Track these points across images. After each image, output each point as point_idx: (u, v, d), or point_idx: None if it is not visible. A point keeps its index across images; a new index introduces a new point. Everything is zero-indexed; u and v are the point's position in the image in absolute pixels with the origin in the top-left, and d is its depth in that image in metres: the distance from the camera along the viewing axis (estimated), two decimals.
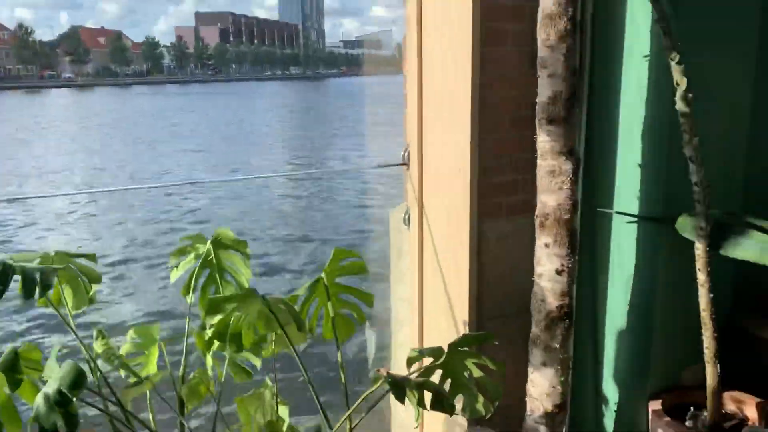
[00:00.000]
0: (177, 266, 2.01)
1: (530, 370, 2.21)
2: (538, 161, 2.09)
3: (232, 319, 1.65)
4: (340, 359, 1.81)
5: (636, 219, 2.27)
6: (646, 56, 2.17)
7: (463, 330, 2.29)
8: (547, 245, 2.14)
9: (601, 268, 2.42)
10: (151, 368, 1.89)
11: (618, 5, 2.21)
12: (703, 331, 2.18)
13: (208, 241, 2.03)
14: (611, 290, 2.40)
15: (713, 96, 2.29)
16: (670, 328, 2.31)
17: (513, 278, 2.31)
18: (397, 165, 2.46)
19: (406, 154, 2.44)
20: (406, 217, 2.50)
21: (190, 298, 1.99)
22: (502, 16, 2.13)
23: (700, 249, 2.13)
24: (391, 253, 2.70)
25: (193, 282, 1.99)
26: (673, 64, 2.05)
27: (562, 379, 2.19)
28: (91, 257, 1.91)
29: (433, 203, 2.39)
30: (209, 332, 1.65)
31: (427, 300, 2.49)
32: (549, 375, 2.19)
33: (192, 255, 2.02)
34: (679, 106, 2.07)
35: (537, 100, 2.05)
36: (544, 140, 2.09)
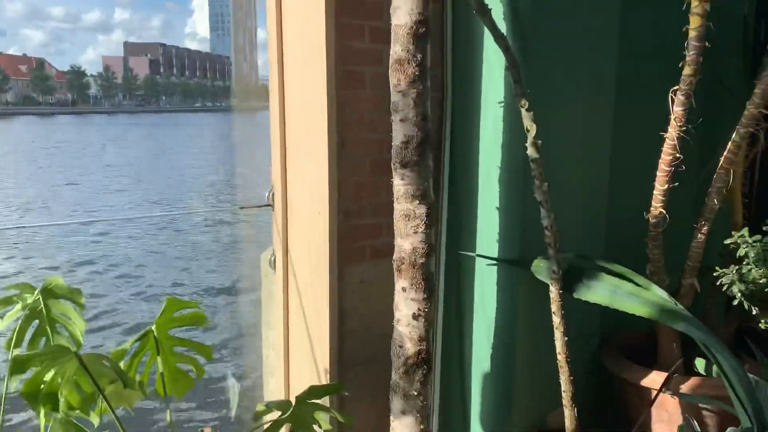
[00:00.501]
0: (1, 317, 1.86)
1: (391, 418, 2.16)
2: (395, 205, 2.08)
3: (48, 378, 1.53)
4: (169, 418, 1.71)
5: (495, 262, 2.28)
6: (500, 102, 2.20)
7: (325, 379, 2.22)
8: (404, 289, 2.11)
9: (466, 312, 2.41)
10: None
11: (474, 52, 2.26)
12: (560, 374, 2.20)
13: (36, 290, 1.89)
14: (476, 334, 2.39)
15: (575, 143, 2.36)
16: (533, 371, 2.32)
17: (376, 324, 2.27)
18: (261, 207, 2.39)
19: (271, 194, 2.38)
20: (272, 260, 2.43)
21: (12, 353, 1.84)
22: (358, 59, 2.12)
23: (553, 292, 2.15)
24: (263, 298, 2.62)
25: (17, 334, 1.85)
26: (523, 110, 2.09)
27: (422, 427, 2.15)
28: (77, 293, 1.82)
29: (298, 246, 2.34)
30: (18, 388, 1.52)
31: (293, 347, 2.41)
32: (409, 423, 2.14)
33: (18, 305, 1.88)
34: (530, 151, 2.10)
35: (392, 144, 2.05)
36: (398, 184, 2.07)
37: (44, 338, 1.89)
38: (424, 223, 2.06)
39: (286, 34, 2.27)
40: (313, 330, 2.28)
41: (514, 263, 2.26)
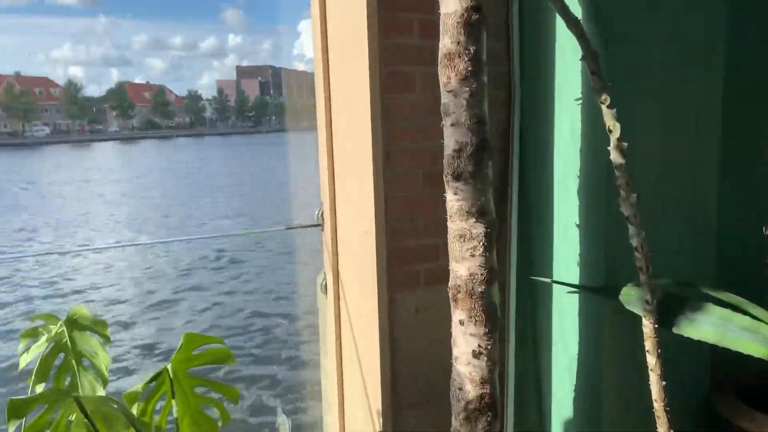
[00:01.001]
0: (27, 350, 1.74)
1: None
2: (448, 223, 1.79)
3: (58, 423, 1.37)
4: None
5: (576, 289, 1.92)
6: (577, 99, 1.86)
7: (378, 422, 1.95)
8: (461, 322, 1.80)
9: (544, 349, 2.06)
10: None
11: (545, 42, 1.92)
12: (657, 425, 1.81)
13: (60, 322, 1.76)
14: (555, 375, 2.03)
15: (672, 145, 1.96)
16: (623, 420, 1.93)
17: (435, 358, 1.97)
18: (309, 226, 2.17)
19: (320, 213, 2.16)
20: (323, 284, 2.20)
21: (35, 389, 1.71)
22: (406, 58, 1.86)
23: (647, 326, 1.76)
24: (319, 322, 2.39)
25: (41, 369, 1.72)
26: (603, 107, 1.74)
27: None
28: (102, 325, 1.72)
29: (347, 270, 2.09)
30: None
31: (347, 382, 2.16)
32: None
33: (44, 337, 1.75)
34: (613, 156, 1.75)
35: (445, 154, 1.76)
36: (451, 199, 1.77)
37: (70, 373, 1.76)
38: (483, 244, 1.74)
39: (331, 35, 2.04)
40: (365, 364, 2.02)
41: (598, 291, 1.89)
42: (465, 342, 1.79)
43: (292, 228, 2.22)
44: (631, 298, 1.81)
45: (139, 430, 1.49)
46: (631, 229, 1.74)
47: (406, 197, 1.91)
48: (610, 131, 1.74)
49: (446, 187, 1.76)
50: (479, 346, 1.77)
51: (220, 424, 1.61)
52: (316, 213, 2.15)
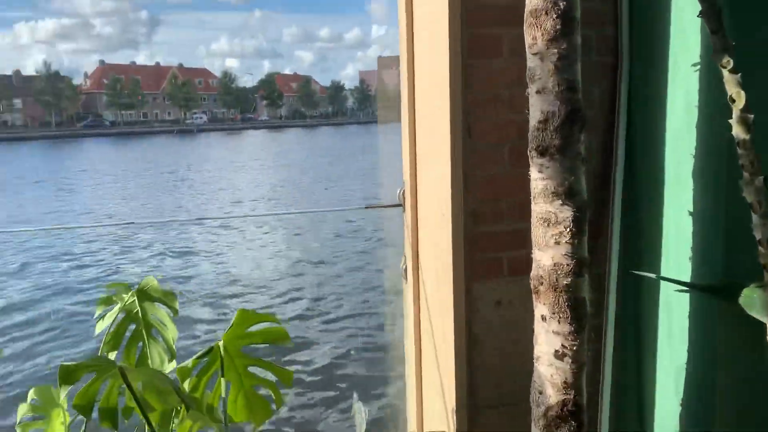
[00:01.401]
0: (104, 317, 1.76)
1: None
2: (532, 206, 1.58)
3: (109, 392, 1.37)
4: None
5: (688, 288, 1.64)
6: (695, 65, 1.57)
7: (452, 422, 1.79)
8: (543, 318, 1.59)
9: (647, 354, 1.79)
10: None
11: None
12: None
13: (132, 292, 1.77)
14: (660, 385, 1.76)
15: None
16: None
17: (518, 356, 1.77)
18: (390, 206, 2.04)
19: (401, 193, 2.02)
20: (404, 268, 2.06)
21: (112, 356, 1.73)
22: (492, 19, 1.66)
23: None
24: (403, 309, 2.26)
25: (114, 337, 1.73)
26: (725, 72, 1.46)
27: None
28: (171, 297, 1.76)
29: (426, 255, 1.94)
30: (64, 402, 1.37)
31: (426, 374, 2.02)
32: None
33: (118, 306, 1.77)
34: (736, 131, 1.46)
35: (530, 126, 1.56)
36: (536, 178, 1.56)
37: (140, 343, 1.76)
38: (570, 230, 1.52)
39: (415, 3, 1.89)
40: (441, 358, 1.87)
41: (713, 291, 1.60)
42: (547, 340, 1.59)
43: (371, 207, 2.10)
44: (754, 301, 1.51)
45: (190, 407, 1.45)
46: (755, 219, 1.45)
47: (489, 176, 1.73)
48: (733, 101, 1.45)
49: (530, 163, 1.56)
50: (563, 345, 1.57)
51: (273, 407, 1.53)
52: (398, 192, 2.01)
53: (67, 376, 1.34)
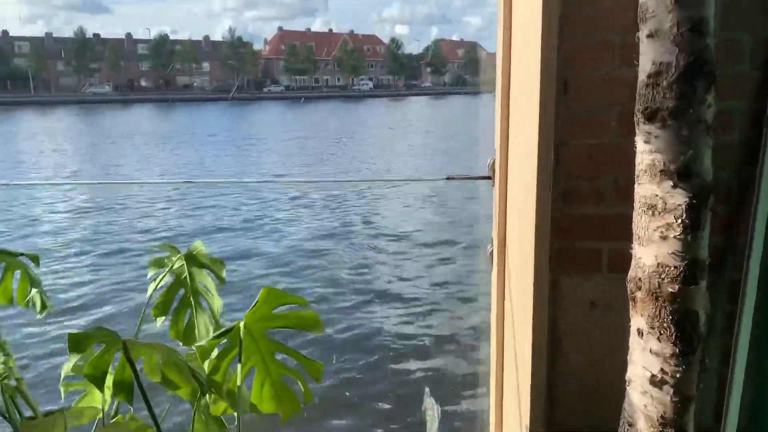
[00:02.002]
0: (155, 280, 1.67)
1: None
2: (635, 186, 1.22)
3: (122, 365, 1.26)
4: None
5: None
6: None
7: None
8: (639, 332, 1.24)
9: None
10: (94, 400, 1.58)
11: None
12: None
13: (179, 256, 1.65)
14: None
15: None
16: None
17: (613, 374, 1.43)
18: (476, 178, 1.74)
19: (491, 164, 1.70)
20: (490, 252, 1.76)
21: (160, 321, 1.63)
22: None
23: None
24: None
25: (163, 303, 1.63)
26: None
27: None
28: (219, 265, 1.68)
29: (513, 237, 1.62)
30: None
31: (506, 382, 1.72)
32: None
33: (167, 269, 1.66)
34: None
35: (638, 81, 1.19)
36: (642, 150, 1.20)
37: (189, 311, 1.65)
38: (682, 222, 1.14)
39: None
40: (519, 363, 1.56)
41: None
42: (643, 361, 1.24)
43: (452, 178, 1.80)
44: None
45: (207, 390, 1.30)
46: None
47: (589, 146, 1.37)
48: None
49: (636, 131, 1.20)
50: (662, 370, 1.21)
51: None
52: (488, 162, 1.70)
53: (76, 345, 1.24)
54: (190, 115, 53.54)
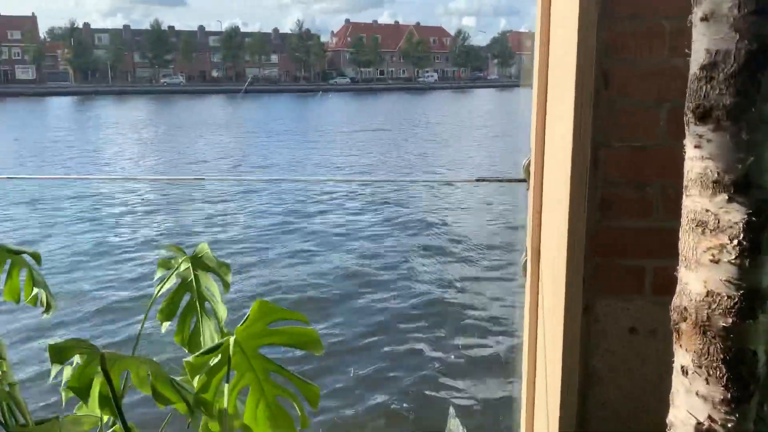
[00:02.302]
0: (163, 281, 1.58)
1: None
2: (683, 198, 1.03)
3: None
4: None
5: None
6: None
7: None
8: (683, 370, 1.05)
9: None
10: (95, 408, 1.50)
11: None
12: None
13: (183, 259, 1.55)
14: None
15: None
16: None
17: (652, 411, 1.24)
18: (510, 181, 1.57)
19: (526, 165, 1.53)
20: (524, 263, 1.58)
21: (166, 326, 1.54)
22: None
23: None
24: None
25: (170, 306, 1.54)
26: None
27: None
28: (225, 269, 1.60)
29: (547, 247, 1.45)
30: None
31: (537, 405, 1.55)
32: None
33: (174, 272, 1.57)
34: None
35: (690, 73, 1.00)
36: (692, 156, 1.01)
37: (195, 316, 1.56)
38: (739, 242, 0.95)
39: None
40: (551, 390, 1.39)
41: None
42: (687, 404, 1.06)
43: (484, 180, 1.64)
44: None
45: (192, 407, 1.20)
46: None
47: (633, 148, 1.18)
48: None
49: (686, 132, 1.02)
50: (710, 418, 1.03)
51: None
52: (523, 163, 1.53)
53: (57, 355, 1.16)
54: (258, 106, 54.61)
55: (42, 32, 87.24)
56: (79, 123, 37.25)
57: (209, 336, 1.52)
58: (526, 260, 1.57)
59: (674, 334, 1.05)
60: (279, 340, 1.18)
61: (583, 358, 1.25)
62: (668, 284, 1.20)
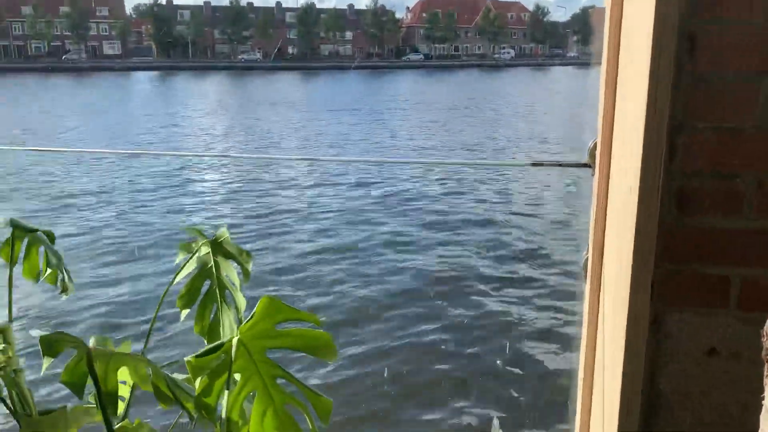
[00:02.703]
0: (183, 266, 1.47)
1: None
2: None
3: (105, 374, 1.08)
4: None
5: None
6: None
7: None
8: None
9: None
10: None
11: None
12: None
13: (203, 242, 1.42)
14: None
15: None
16: None
17: None
18: (571, 165, 1.35)
19: (591, 148, 1.31)
20: (585, 260, 1.38)
21: (185, 313, 1.43)
22: None
23: None
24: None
25: (189, 293, 1.43)
26: None
27: None
28: (246, 257, 1.50)
29: (611, 246, 1.24)
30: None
31: (594, 423, 1.35)
32: None
33: (191, 255, 1.45)
34: None
35: None
36: None
37: (215, 306, 1.44)
38: None
39: None
40: (608, 411, 1.19)
41: None
42: None
43: (540, 164, 1.43)
44: None
45: (190, 413, 1.08)
46: None
47: (723, 130, 0.96)
48: None
49: None
50: None
51: None
52: (589, 146, 1.31)
53: (48, 348, 1.05)
54: (332, 82, 54.81)
55: (128, 9, 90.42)
56: (189, 96, 38.13)
57: (229, 328, 1.40)
58: (587, 257, 1.36)
59: (765, 362, 0.84)
60: (287, 342, 1.04)
61: (649, 380, 1.05)
62: (758, 298, 0.98)
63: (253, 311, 1.02)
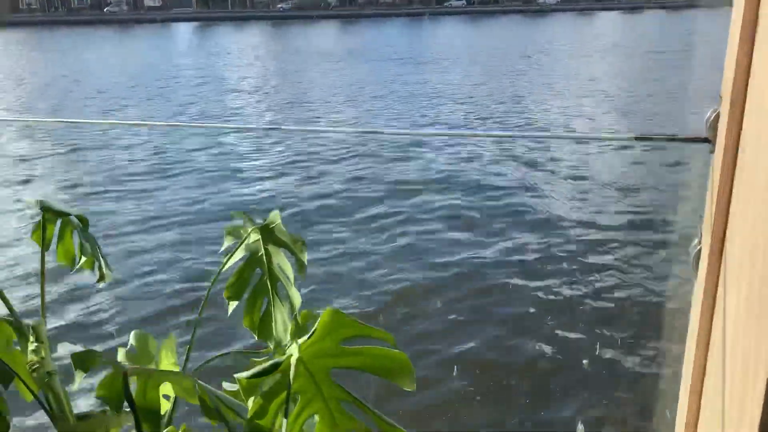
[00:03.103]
0: (231, 254, 1.31)
1: None
2: None
3: (143, 389, 0.95)
4: None
5: None
6: None
7: None
8: None
9: None
10: None
11: None
12: None
13: (252, 228, 1.26)
14: None
15: None
16: None
17: None
18: (681, 140, 1.13)
19: (711, 118, 1.09)
20: (696, 251, 1.16)
21: (231, 307, 1.28)
22: None
23: None
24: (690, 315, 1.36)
25: (238, 283, 1.27)
26: None
27: None
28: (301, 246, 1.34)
29: (743, 235, 1.03)
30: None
31: (702, 421, 1.17)
32: None
33: (240, 242, 1.29)
34: None
35: None
36: None
37: (266, 299, 1.28)
38: None
39: None
40: (729, 423, 1.00)
41: None
42: None
43: (645, 138, 1.21)
44: None
45: None
46: None
47: None
48: None
49: None
50: None
51: None
52: (707, 117, 1.09)
53: (81, 363, 0.92)
54: (373, 31, 53.75)
55: None
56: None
57: (281, 324, 1.24)
58: (699, 248, 1.15)
59: None
60: (356, 362, 0.87)
61: None
62: None
63: (315, 326, 0.86)
